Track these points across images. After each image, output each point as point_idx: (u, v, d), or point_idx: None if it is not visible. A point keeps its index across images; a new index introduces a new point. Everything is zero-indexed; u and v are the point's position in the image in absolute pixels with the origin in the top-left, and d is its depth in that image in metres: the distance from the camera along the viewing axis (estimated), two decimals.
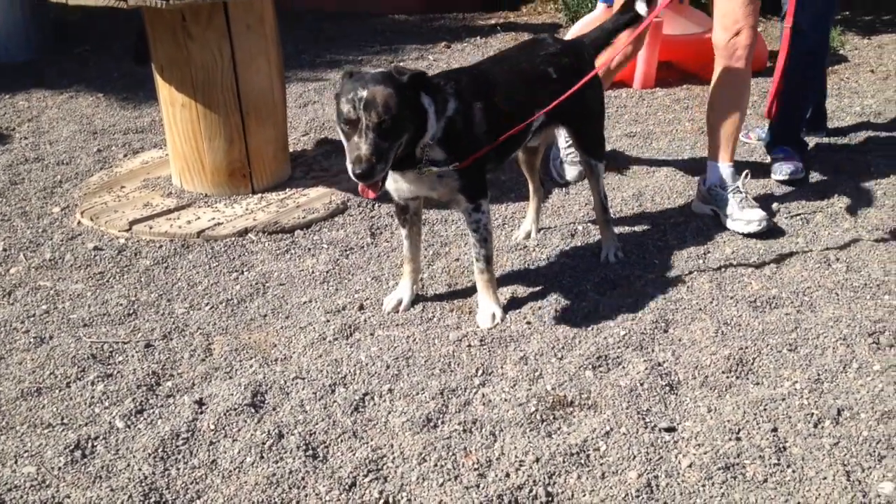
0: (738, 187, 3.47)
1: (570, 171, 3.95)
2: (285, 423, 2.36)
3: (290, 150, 4.14)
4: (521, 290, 3.05)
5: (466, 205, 2.76)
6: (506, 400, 2.46)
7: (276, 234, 3.43)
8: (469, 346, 2.72)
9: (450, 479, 2.15)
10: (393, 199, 2.86)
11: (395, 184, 2.73)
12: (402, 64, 5.87)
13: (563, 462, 2.20)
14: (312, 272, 3.19)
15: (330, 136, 4.47)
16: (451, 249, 3.37)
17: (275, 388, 2.52)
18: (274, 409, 2.43)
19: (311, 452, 2.25)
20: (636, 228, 3.50)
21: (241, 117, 3.52)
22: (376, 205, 3.69)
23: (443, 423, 2.37)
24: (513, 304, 2.97)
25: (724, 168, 3.51)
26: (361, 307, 2.96)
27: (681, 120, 4.79)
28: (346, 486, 2.13)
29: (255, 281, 3.12)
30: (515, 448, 2.25)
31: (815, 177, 3.93)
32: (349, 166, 2.39)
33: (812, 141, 4.29)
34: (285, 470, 2.17)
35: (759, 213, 3.38)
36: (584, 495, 2.10)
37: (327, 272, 3.19)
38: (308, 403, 2.45)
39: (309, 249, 3.35)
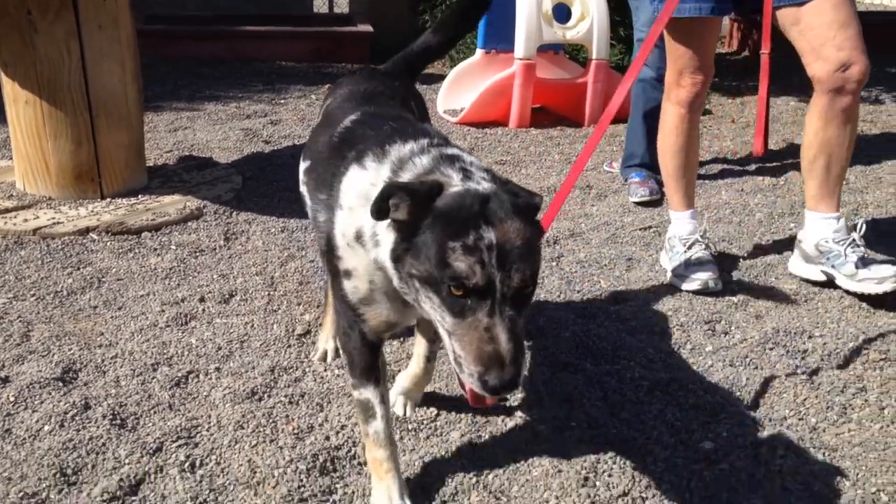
0: (854, 240, 2.93)
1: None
2: (94, 395, 2.21)
3: (151, 163, 4.04)
4: None
5: None
6: (339, 375, 2.38)
7: (120, 234, 3.29)
8: (310, 331, 2.64)
9: (264, 443, 2.04)
10: (364, 340, 1.77)
11: (405, 309, 1.70)
12: (283, 101, 5.89)
13: None
14: (155, 269, 3.06)
15: (195, 154, 4.38)
16: (308, 253, 3.31)
17: (90, 367, 2.36)
18: (85, 385, 2.27)
19: (117, 422, 2.10)
20: None
21: (89, 118, 3.41)
22: (234, 211, 3.61)
23: (269, 396, 2.27)
24: None
25: (833, 220, 2.96)
26: (202, 299, 2.84)
27: (550, 153, 4.93)
28: (150, 451, 1.98)
29: (90, 276, 2.97)
30: (340, 415, 2.17)
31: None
32: (473, 370, 1.41)
33: None
34: (85, 437, 2.02)
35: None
36: (404, 454, 2.02)
37: (171, 269, 3.07)
38: (124, 380, 2.30)
39: (155, 249, 3.23)
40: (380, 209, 1.48)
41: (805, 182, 3.03)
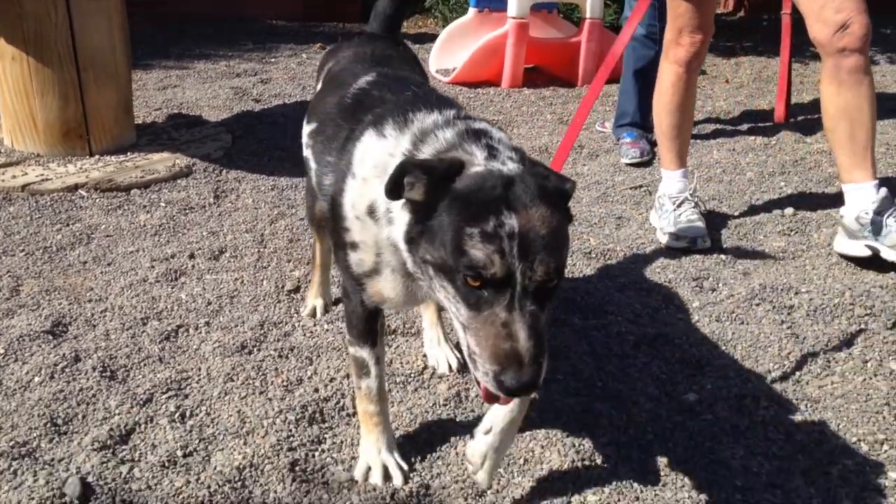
0: None
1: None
2: (84, 348, 2.22)
3: (140, 121, 4.01)
4: None
5: None
6: (328, 330, 2.40)
7: (109, 191, 3.28)
8: (300, 287, 2.65)
9: (254, 394, 2.06)
10: (363, 306, 1.71)
11: (406, 291, 1.63)
12: (273, 59, 5.83)
13: None
14: (144, 226, 3.06)
15: (184, 112, 4.35)
16: (299, 211, 3.30)
17: (80, 321, 2.37)
18: (75, 338, 2.28)
19: (108, 374, 2.11)
20: None
21: (77, 74, 3.38)
22: (224, 169, 3.60)
23: (258, 350, 2.28)
24: None
25: (870, 189, 2.80)
26: (192, 255, 2.85)
27: (543, 112, 4.91)
28: (141, 402, 2.00)
29: (79, 232, 2.96)
30: (329, 368, 2.19)
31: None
32: (488, 369, 1.31)
33: None
34: (75, 388, 2.03)
35: None
36: (392, 406, 2.04)
37: (160, 226, 3.06)
38: (114, 333, 2.32)
39: (144, 206, 3.22)
40: (394, 188, 1.37)
41: (834, 155, 2.89)
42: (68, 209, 3.13)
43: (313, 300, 2.51)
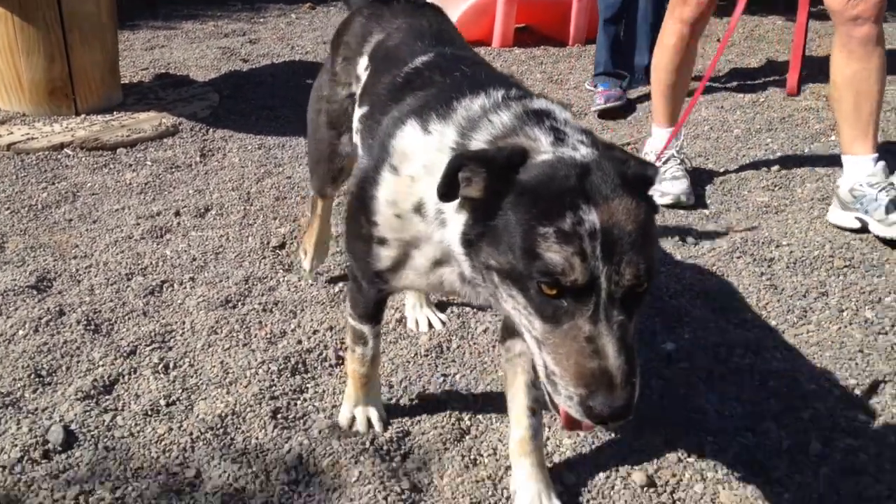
0: (893, 183, 2.76)
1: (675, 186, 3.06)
2: (68, 303, 2.24)
3: (127, 81, 3.99)
4: None
5: None
6: (312, 285, 2.42)
7: (95, 150, 3.28)
8: (285, 243, 2.67)
9: (237, 346, 2.08)
10: (377, 295, 1.63)
11: (437, 280, 1.46)
12: (262, 19, 5.77)
13: None
14: (130, 184, 3.06)
15: (172, 72, 4.33)
16: (285, 170, 3.30)
17: (64, 276, 2.39)
18: (59, 293, 2.30)
19: (92, 327, 2.14)
20: None
21: (62, 33, 3.36)
22: (211, 129, 3.59)
23: (243, 304, 2.31)
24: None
25: (868, 162, 2.79)
26: (178, 213, 2.86)
27: (533, 72, 4.89)
28: (125, 354, 2.03)
29: (64, 190, 2.97)
30: (313, 321, 2.21)
31: (643, 113, 4.08)
32: (573, 392, 1.13)
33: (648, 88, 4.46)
34: (59, 341, 2.06)
35: None
36: None
37: (146, 184, 3.07)
38: (98, 288, 2.34)
39: (130, 165, 3.22)
40: (448, 188, 1.19)
41: (837, 124, 2.88)
42: (54, 168, 3.14)
43: (311, 256, 2.40)
